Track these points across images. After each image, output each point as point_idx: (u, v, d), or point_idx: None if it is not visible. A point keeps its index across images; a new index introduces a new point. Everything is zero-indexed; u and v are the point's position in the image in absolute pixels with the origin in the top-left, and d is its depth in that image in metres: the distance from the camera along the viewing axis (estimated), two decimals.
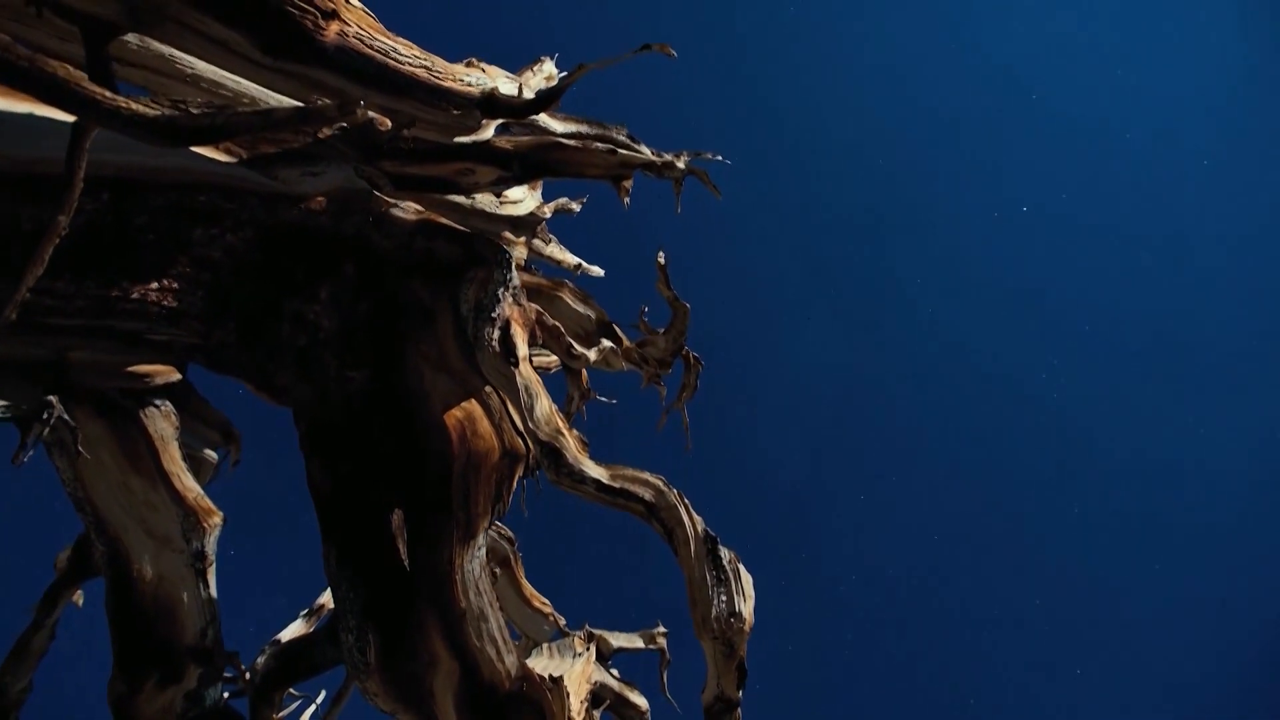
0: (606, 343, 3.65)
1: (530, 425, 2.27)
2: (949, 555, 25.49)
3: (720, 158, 4.64)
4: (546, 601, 4.77)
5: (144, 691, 4.05)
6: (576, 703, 3.47)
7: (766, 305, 26.18)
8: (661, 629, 4.62)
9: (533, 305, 2.96)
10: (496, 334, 2.55)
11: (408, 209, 2.83)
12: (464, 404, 2.68)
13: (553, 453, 2.24)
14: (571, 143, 3.34)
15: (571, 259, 5.94)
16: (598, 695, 3.98)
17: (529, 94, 3.49)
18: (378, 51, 2.32)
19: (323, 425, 2.65)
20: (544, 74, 4.02)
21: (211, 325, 2.55)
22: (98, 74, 1.70)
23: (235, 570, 4.16)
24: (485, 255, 2.74)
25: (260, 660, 4.51)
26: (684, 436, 4.61)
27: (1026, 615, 25.16)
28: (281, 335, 2.67)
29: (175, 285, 2.39)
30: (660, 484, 2.40)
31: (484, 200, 4.42)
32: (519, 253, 5.39)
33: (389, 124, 2.43)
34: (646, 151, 4.08)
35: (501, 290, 2.67)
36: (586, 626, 4.30)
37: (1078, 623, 24.79)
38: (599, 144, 3.48)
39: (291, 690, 4.62)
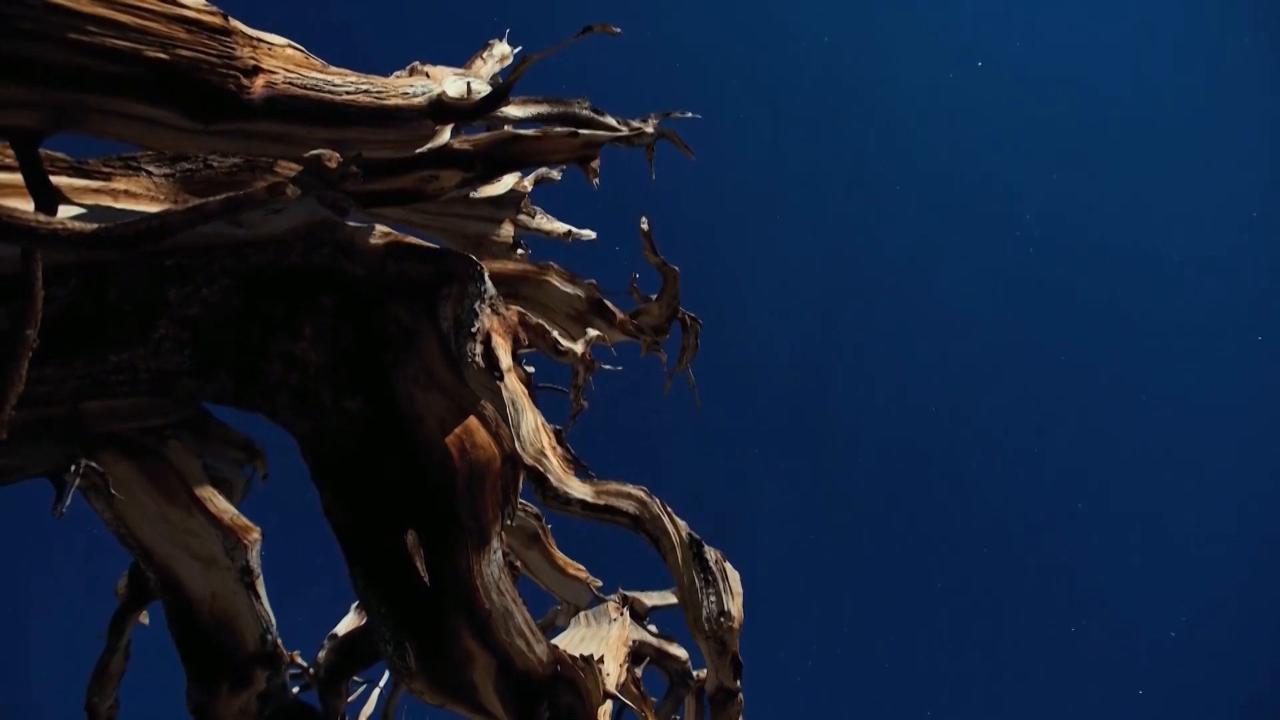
0: (592, 331, 3.68)
1: (517, 445, 2.34)
2: (958, 410, 26.23)
3: (691, 114, 4.53)
4: (581, 567, 4.96)
5: (220, 698, 4.35)
6: (615, 667, 3.67)
7: (745, 177, 26.23)
8: None
9: (514, 308, 2.98)
10: (479, 348, 2.59)
11: (375, 233, 2.84)
12: (459, 416, 2.75)
13: (538, 477, 2.31)
14: (530, 133, 3.28)
15: (560, 227, 5.90)
16: (638, 653, 4.19)
17: (480, 85, 3.42)
18: (311, 89, 2.29)
19: (328, 456, 2.74)
20: (496, 57, 3.92)
21: (205, 379, 2.62)
22: (33, 181, 1.71)
23: (271, 568, 4.39)
24: (457, 270, 2.75)
25: (321, 655, 4.82)
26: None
27: (1039, 460, 25.99)
28: (274, 376, 2.74)
29: (160, 349, 2.46)
30: (643, 495, 2.47)
31: None
32: (506, 230, 5.36)
33: (337, 159, 2.41)
34: (611, 122, 4.00)
35: (478, 303, 2.70)
36: (620, 590, 4.48)
37: (1088, 457, 25.52)
38: (560, 127, 3.41)
39: (355, 678, 4.96)
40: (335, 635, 4.83)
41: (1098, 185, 25.75)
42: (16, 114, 1.62)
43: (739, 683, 2.43)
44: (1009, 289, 26.37)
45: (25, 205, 1.93)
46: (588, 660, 2.94)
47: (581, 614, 4.21)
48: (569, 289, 4.05)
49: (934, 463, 26.24)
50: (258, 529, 4.31)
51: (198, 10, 1.85)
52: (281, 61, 2.19)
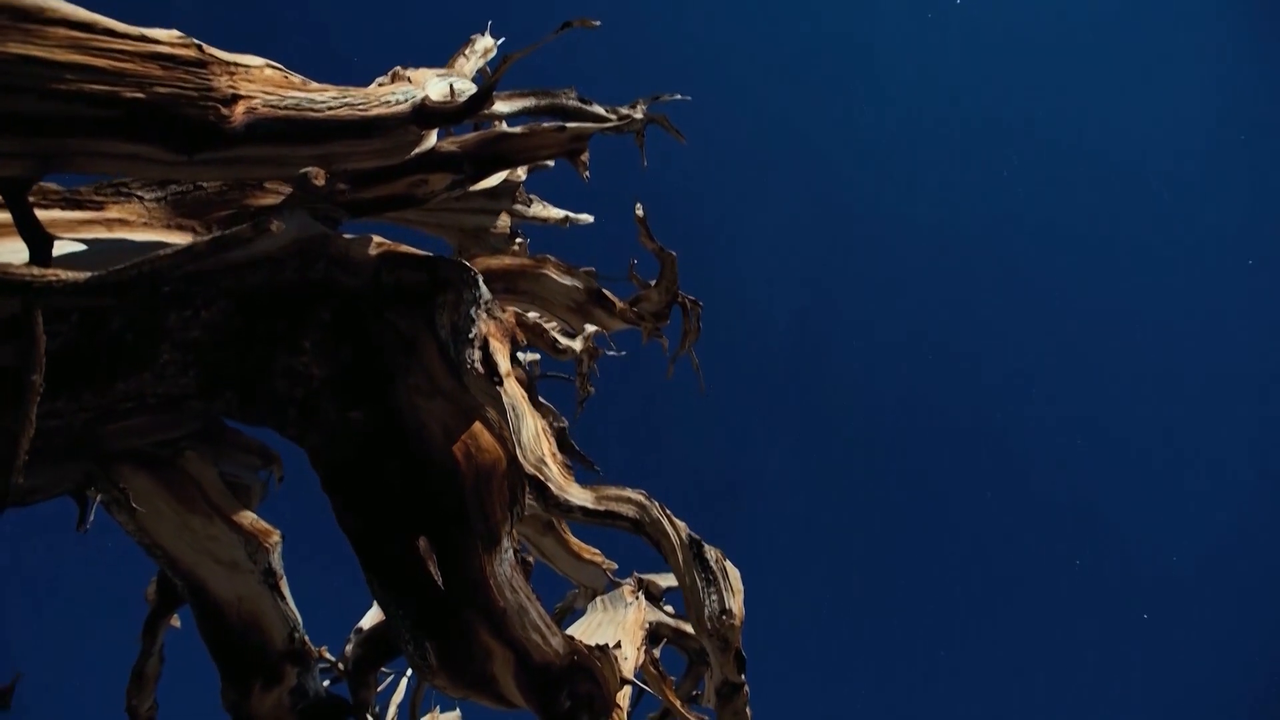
0: (590, 326, 3.70)
1: (519, 453, 2.38)
2: (956, 352, 26.48)
3: (680, 96, 4.48)
4: (596, 551, 5.05)
5: (253, 696, 4.49)
6: (632, 650, 3.76)
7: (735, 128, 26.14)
8: None
9: (510, 309, 3.01)
10: (478, 355, 2.62)
11: (369, 244, 2.85)
12: (463, 421, 2.79)
13: (539, 486, 2.35)
14: (517, 130, 3.27)
15: (557, 213, 5.89)
16: (655, 634, 4.28)
17: (463, 84, 3.41)
18: (292, 109, 2.30)
19: (337, 467, 2.80)
20: (479, 52, 3.88)
21: (210, 400, 2.68)
22: (26, 227, 1.74)
23: (291, 567, 4.52)
24: (451, 277, 2.77)
25: (348, 649, 4.96)
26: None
27: (1039, 397, 26.32)
28: (279, 391, 2.78)
29: (166, 373, 2.50)
30: (642, 499, 2.51)
31: None
32: (503, 221, 5.36)
33: (323, 176, 2.43)
34: (600, 111, 3.97)
35: (474, 309, 2.72)
36: (635, 574, 4.56)
37: (1088, 390, 25.76)
38: (547, 123, 3.40)
39: (383, 669, 5.10)
40: (360, 629, 4.96)
41: (1082, 112, 25.58)
42: (3, 165, 1.65)
43: (743, 676, 2.50)
44: (1001, 229, 26.38)
45: (20, 244, 1.97)
46: (603, 649, 3.01)
47: (598, 599, 4.29)
48: (567, 281, 4.06)
49: (934, 407, 26.64)
50: (277, 532, 4.41)
51: (172, 45, 1.86)
52: (260, 85, 2.19)
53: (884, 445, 26.84)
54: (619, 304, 4.23)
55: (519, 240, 5.65)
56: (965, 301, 26.72)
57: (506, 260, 4.07)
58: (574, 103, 3.84)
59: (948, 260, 26.59)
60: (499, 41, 4.20)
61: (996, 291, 26.59)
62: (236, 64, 2.13)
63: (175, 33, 1.92)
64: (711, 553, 2.47)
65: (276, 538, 4.43)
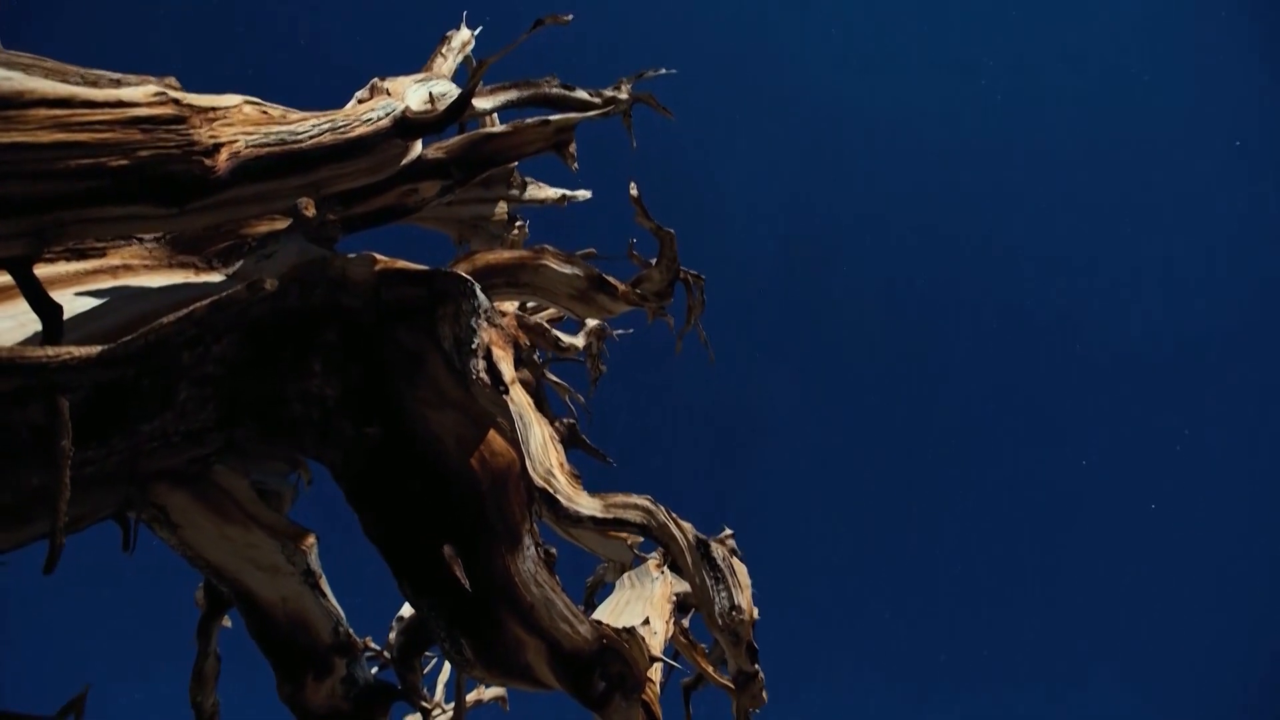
0: (591, 321, 3.73)
1: (528, 465, 2.45)
2: (947, 269, 26.53)
3: (665, 70, 4.41)
4: None
5: (307, 688, 4.74)
6: (661, 624, 3.90)
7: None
8: (729, 531, 4.98)
9: (510, 312, 3.05)
10: (482, 364, 2.68)
11: (366, 262, 2.89)
12: (474, 429, 2.87)
13: (548, 499, 2.43)
14: (502, 129, 3.26)
15: (553, 193, 5.88)
16: (683, 604, 4.42)
17: (442, 88, 3.39)
18: (274, 145, 2.32)
19: (358, 482, 2.90)
20: (456, 48, 3.83)
21: (231, 430, 2.77)
22: (34, 300, 1.81)
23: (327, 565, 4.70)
24: (449, 289, 2.81)
25: (392, 637, 5.20)
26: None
27: (1034, 306, 26.43)
28: (295, 415, 2.87)
29: (186, 410, 2.59)
30: (648, 504, 2.58)
31: None
32: (500, 208, 5.35)
33: (313, 206, 2.46)
34: (584, 96, 3.93)
35: (474, 319, 2.77)
36: (659, 548, 4.69)
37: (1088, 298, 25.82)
38: (531, 118, 3.38)
39: (426, 654, 5.34)
40: (401, 618, 5.18)
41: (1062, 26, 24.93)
42: (3, 247, 1.70)
43: (756, 665, 2.61)
44: (980, 124, 26.02)
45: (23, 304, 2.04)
46: (630, 631, 3.14)
47: (625, 576, 4.43)
48: (567, 269, 4.08)
49: (930, 313, 26.91)
50: (313, 534, 4.58)
51: (149, 105, 1.88)
52: (240, 127, 2.21)
53: (885, 357, 27.33)
54: (621, 287, 4.24)
55: (519, 224, 5.65)
56: (948, 200, 26.73)
57: (505, 255, 4.08)
58: (556, 90, 3.80)
59: (923, 156, 26.49)
60: (476, 31, 4.13)
61: (980, 179, 26.57)
62: (214, 108, 2.15)
63: (150, 89, 1.94)
64: (719, 551, 2.56)
65: (312, 539, 4.61)
